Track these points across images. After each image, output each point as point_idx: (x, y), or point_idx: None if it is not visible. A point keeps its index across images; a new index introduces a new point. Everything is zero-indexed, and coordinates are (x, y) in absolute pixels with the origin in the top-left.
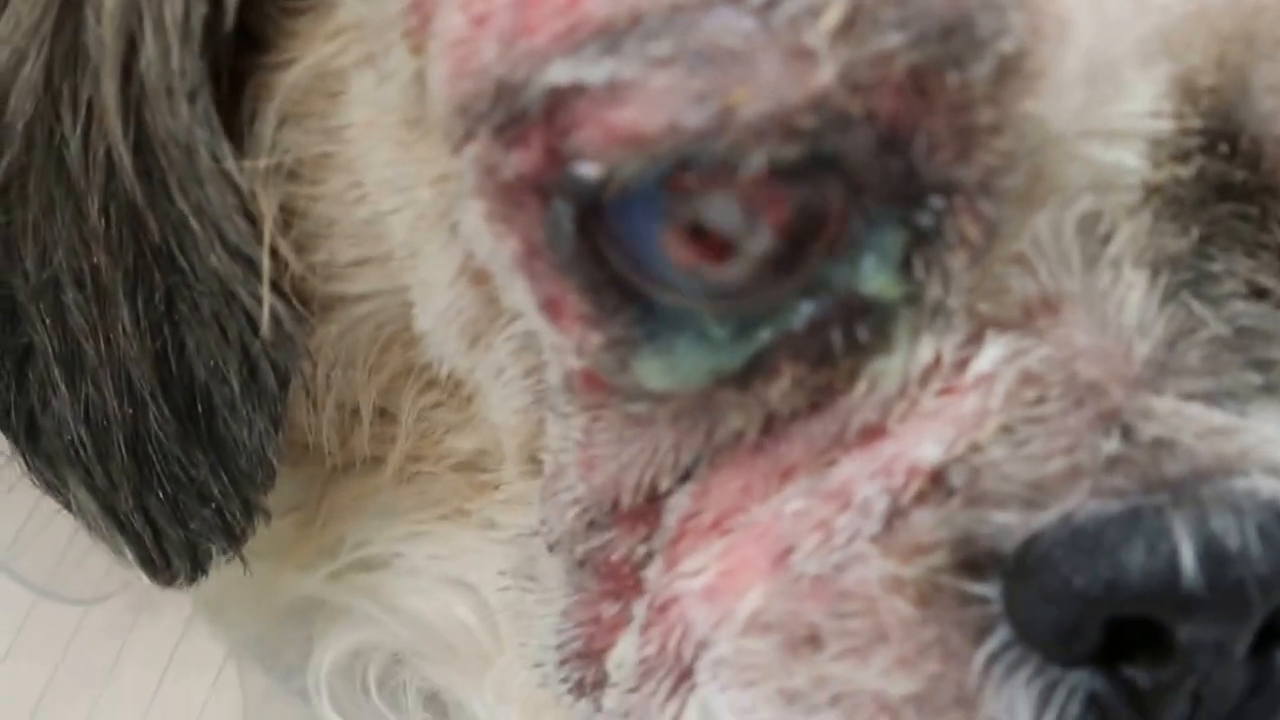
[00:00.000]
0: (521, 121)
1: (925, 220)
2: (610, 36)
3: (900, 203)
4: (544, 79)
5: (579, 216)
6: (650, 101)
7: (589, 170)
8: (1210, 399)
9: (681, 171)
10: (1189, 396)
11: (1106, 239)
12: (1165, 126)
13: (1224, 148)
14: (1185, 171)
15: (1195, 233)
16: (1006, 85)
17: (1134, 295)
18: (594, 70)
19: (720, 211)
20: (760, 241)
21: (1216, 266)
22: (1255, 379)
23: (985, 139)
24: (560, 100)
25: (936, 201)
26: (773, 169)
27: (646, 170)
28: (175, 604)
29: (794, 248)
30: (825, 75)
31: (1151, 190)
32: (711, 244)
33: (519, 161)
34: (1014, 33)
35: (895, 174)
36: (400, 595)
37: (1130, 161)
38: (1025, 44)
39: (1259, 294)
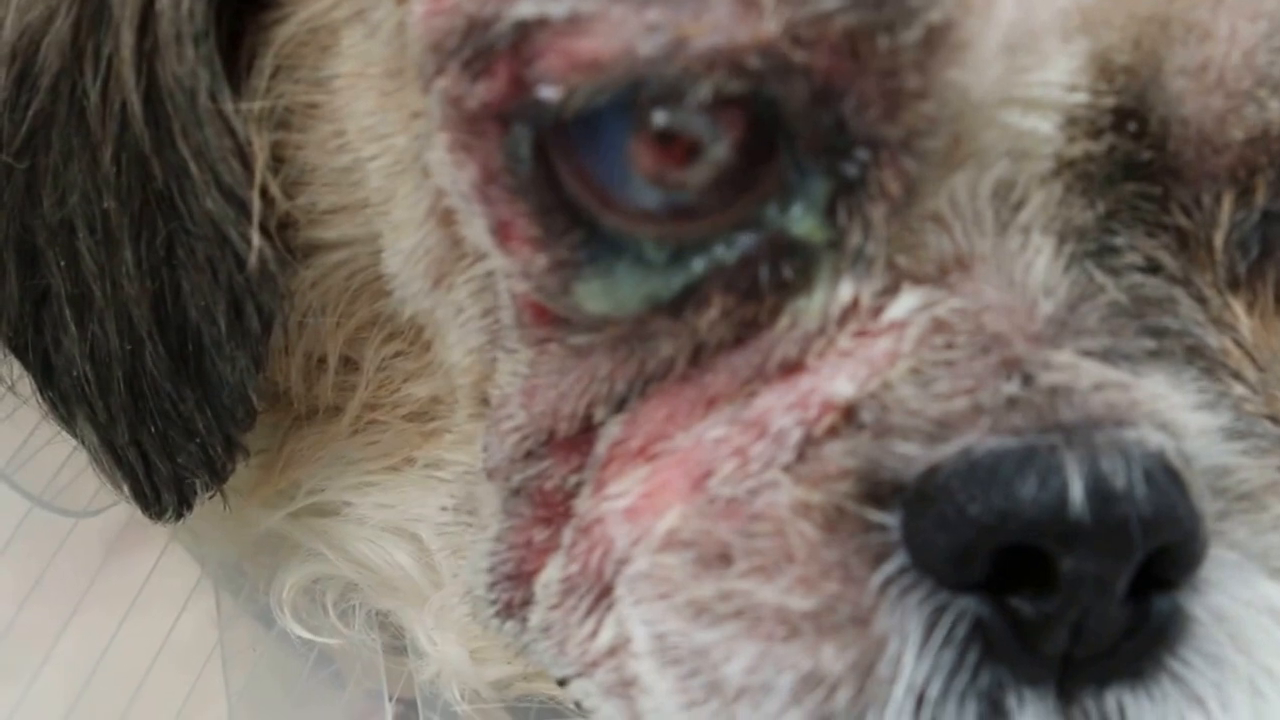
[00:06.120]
0: (489, 54)
1: (850, 171)
2: None
3: (829, 153)
4: (512, 13)
5: (537, 140)
6: (608, 31)
7: (550, 93)
8: (1106, 357)
9: (634, 94)
10: (1086, 353)
11: (1019, 205)
12: (1080, 100)
13: (1134, 126)
14: (1097, 147)
15: (1101, 207)
16: (933, 53)
17: (1040, 259)
18: (557, 5)
19: (688, 117)
20: (720, 149)
21: (1119, 240)
22: (1148, 343)
23: (911, 102)
24: (526, 33)
25: (862, 154)
26: (718, 99)
27: (602, 93)
28: (143, 544)
29: (745, 168)
30: (770, 26)
31: (1064, 163)
32: (678, 148)
33: (484, 91)
34: (942, 4)
35: (826, 126)
36: (348, 540)
37: (1045, 131)
38: (952, 16)
39: (1155, 269)
